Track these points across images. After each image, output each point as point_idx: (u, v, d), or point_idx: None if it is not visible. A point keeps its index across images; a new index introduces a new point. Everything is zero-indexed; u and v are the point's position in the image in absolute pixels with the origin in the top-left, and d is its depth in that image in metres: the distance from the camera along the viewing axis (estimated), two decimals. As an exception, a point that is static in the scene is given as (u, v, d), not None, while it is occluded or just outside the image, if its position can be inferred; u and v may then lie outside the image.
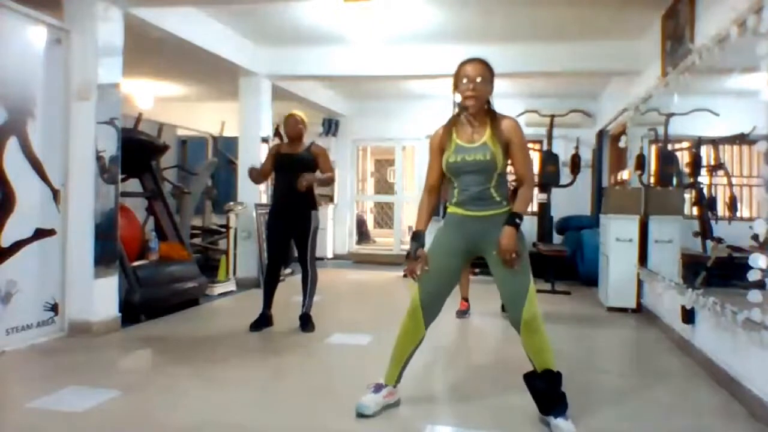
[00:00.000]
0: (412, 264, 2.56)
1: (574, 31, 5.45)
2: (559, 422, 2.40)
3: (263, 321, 4.23)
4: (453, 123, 2.58)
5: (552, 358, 2.50)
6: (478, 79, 2.48)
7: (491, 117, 2.54)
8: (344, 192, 9.62)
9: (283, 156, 4.23)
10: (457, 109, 2.57)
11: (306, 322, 4.20)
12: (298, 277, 4.32)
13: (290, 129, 4.25)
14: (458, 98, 2.54)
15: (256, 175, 4.39)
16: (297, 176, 4.04)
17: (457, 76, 2.54)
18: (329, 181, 4.38)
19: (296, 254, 4.29)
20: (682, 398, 2.99)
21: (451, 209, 2.62)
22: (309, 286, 4.23)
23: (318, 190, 4.42)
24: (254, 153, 6.44)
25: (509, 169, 2.55)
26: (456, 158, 2.51)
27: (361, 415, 2.53)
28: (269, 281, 4.32)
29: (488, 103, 2.57)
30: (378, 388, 2.65)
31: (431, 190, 2.68)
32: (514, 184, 2.86)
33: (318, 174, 4.24)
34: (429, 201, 2.68)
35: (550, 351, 2.51)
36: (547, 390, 2.47)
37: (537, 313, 2.46)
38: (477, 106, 2.51)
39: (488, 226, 2.51)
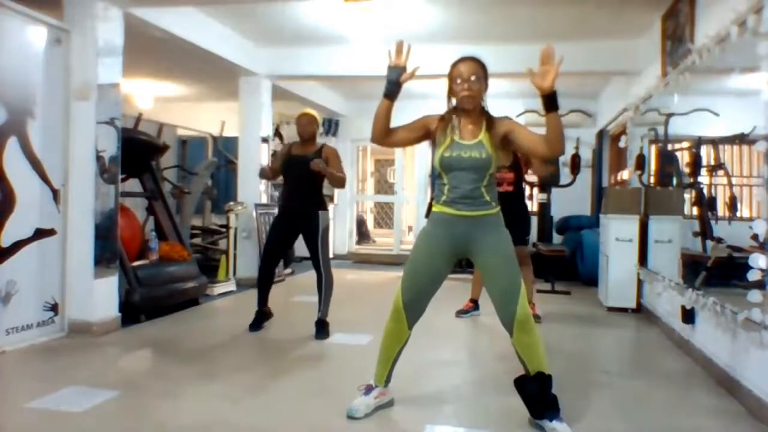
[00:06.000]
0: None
1: (574, 31, 5.44)
2: (555, 425, 2.38)
3: (261, 318, 4.22)
4: (450, 118, 2.55)
5: (545, 359, 2.48)
6: (472, 78, 2.47)
7: (486, 117, 2.54)
8: (344, 192, 9.59)
9: (293, 157, 4.16)
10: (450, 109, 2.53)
11: (321, 328, 4.06)
12: (299, 277, 4.31)
13: (302, 129, 4.15)
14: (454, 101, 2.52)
15: (268, 172, 4.39)
16: (306, 178, 3.99)
17: (451, 77, 2.52)
18: (339, 181, 4.09)
19: (310, 257, 4.15)
20: (682, 398, 2.98)
21: (437, 208, 2.56)
22: (324, 290, 4.10)
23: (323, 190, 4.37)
24: (254, 153, 6.45)
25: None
26: (451, 153, 2.48)
27: (351, 419, 2.53)
28: (263, 279, 4.25)
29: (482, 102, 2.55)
30: (368, 389, 2.65)
31: (391, 129, 2.58)
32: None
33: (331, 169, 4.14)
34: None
35: (543, 352, 2.49)
36: (539, 393, 2.44)
37: (529, 312, 2.46)
38: (473, 104, 2.50)
39: (477, 227, 2.49)
